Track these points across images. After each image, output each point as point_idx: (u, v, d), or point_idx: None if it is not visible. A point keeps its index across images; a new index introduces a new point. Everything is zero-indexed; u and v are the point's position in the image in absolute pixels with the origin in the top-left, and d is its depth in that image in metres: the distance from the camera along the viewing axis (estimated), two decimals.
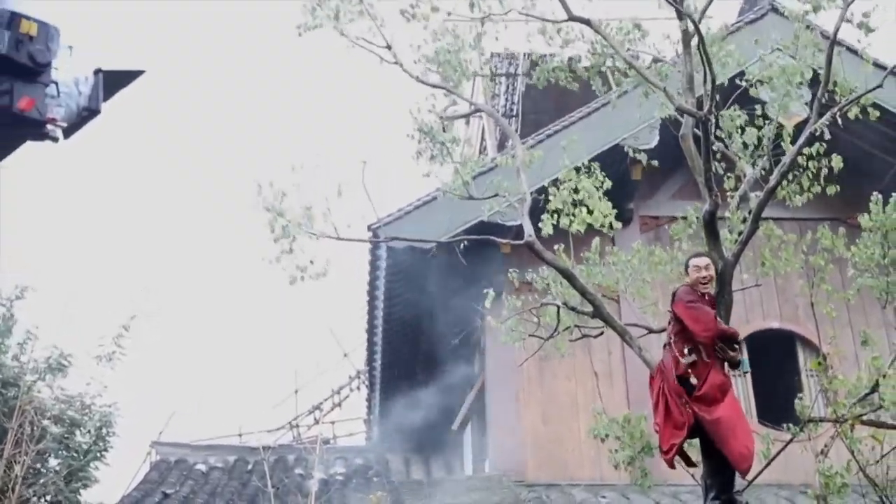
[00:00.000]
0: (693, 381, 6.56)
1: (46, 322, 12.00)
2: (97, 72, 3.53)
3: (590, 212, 7.96)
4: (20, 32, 3.27)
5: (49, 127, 3.37)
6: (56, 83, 3.38)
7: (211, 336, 40.92)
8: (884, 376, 6.83)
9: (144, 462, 14.12)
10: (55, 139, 3.40)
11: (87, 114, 3.52)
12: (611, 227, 8.07)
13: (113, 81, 3.58)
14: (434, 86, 8.05)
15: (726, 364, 6.90)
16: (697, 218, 8.17)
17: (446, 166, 8.13)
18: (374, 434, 16.96)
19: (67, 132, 3.45)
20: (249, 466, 13.63)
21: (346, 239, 7.56)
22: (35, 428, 9.40)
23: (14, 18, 3.28)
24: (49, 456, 11.06)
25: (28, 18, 3.30)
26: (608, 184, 8.21)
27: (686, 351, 6.63)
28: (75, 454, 11.07)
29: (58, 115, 3.39)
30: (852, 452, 6.66)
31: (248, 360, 39.63)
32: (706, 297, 6.84)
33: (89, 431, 11.27)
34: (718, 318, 6.70)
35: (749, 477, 7.09)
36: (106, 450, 11.42)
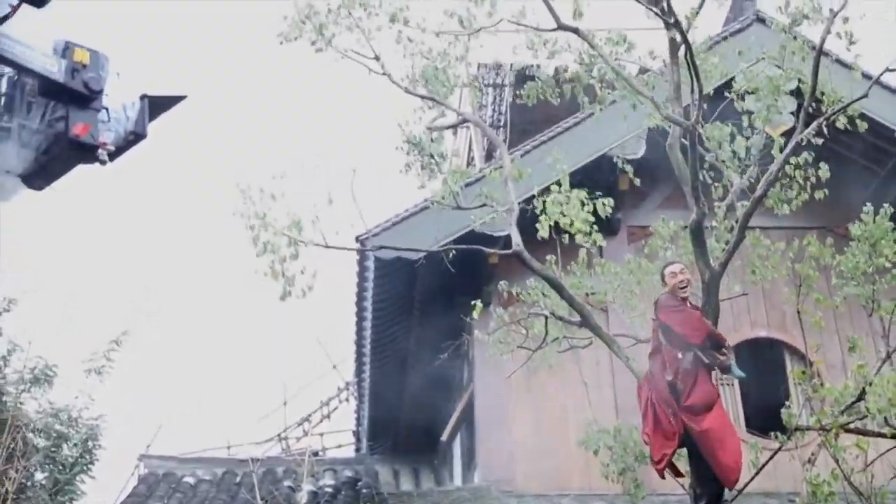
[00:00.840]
0: (681, 388, 6.58)
1: (40, 330, 11.98)
2: (143, 97, 3.66)
3: (572, 225, 7.97)
4: (74, 61, 3.40)
5: (100, 151, 3.49)
6: (107, 109, 3.51)
7: (199, 348, 40.79)
8: (870, 384, 6.85)
9: (132, 475, 14.05)
10: (104, 162, 3.53)
11: (134, 137, 3.65)
12: (594, 242, 8.10)
13: (156, 106, 3.71)
14: (422, 97, 8.08)
15: (717, 371, 6.94)
16: (684, 227, 8.20)
17: (435, 178, 8.14)
18: (363, 446, 16.92)
19: (113, 155, 3.58)
20: (238, 479, 13.56)
21: (335, 247, 7.56)
22: (24, 443, 9.35)
23: (68, 47, 3.40)
24: (36, 470, 10.99)
25: (80, 47, 3.43)
26: (598, 196, 8.22)
27: (680, 355, 6.63)
28: (62, 468, 11.00)
29: (108, 140, 3.52)
30: (837, 461, 6.67)
31: (236, 372, 39.51)
32: (688, 303, 6.86)
33: (76, 444, 11.20)
34: (705, 319, 6.73)
35: (738, 486, 7.10)
36: (92, 463, 11.34)
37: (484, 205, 8.03)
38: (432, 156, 7.95)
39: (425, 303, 12.15)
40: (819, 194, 8.14)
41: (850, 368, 7.74)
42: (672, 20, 6.77)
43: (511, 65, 13.55)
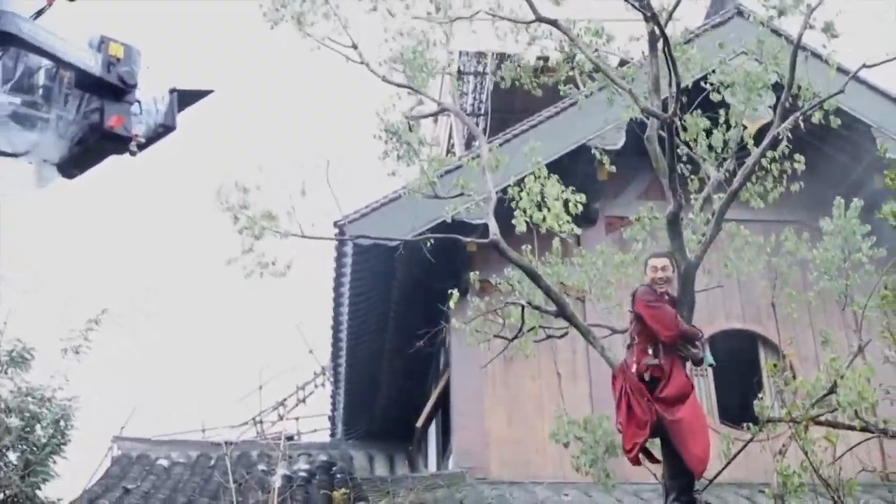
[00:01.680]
0: (648, 379, 6.64)
1: (17, 314, 11.89)
2: (172, 91, 3.77)
3: (545, 219, 8.00)
4: (109, 55, 3.51)
5: (132, 142, 3.61)
6: (139, 102, 3.62)
7: (176, 332, 40.65)
8: (841, 377, 6.91)
9: (106, 457, 14.03)
10: (133, 153, 3.65)
11: (163, 130, 3.77)
12: (571, 231, 8.13)
13: (184, 99, 3.82)
14: (400, 85, 8.07)
15: (689, 363, 6.99)
16: (655, 218, 8.24)
17: (412, 166, 8.14)
18: (338, 431, 16.93)
19: (142, 146, 3.68)
20: (212, 462, 13.55)
21: (312, 237, 7.54)
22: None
23: (103, 42, 3.52)
24: (8, 450, 10.93)
25: (115, 41, 3.53)
26: (571, 191, 8.24)
27: (650, 351, 6.70)
28: (34, 448, 10.93)
29: (139, 132, 3.63)
30: (806, 453, 6.74)
31: (212, 356, 39.42)
32: (665, 297, 6.90)
33: (48, 425, 11.13)
34: (680, 318, 6.77)
35: (710, 476, 7.16)
36: (65, 443, 11.27)
37: (461, 194, 8.03)
38: (410, 144, 7.94)
39: (402, 290, 12.16)
40: (795, 187, 8.19)
41: (823, 362, 7.80)
42: (650, 13, 6.78)
43: (492, 53, 13.57)
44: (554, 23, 7.73)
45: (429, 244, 8.35)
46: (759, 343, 12.27)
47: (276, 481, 11.43)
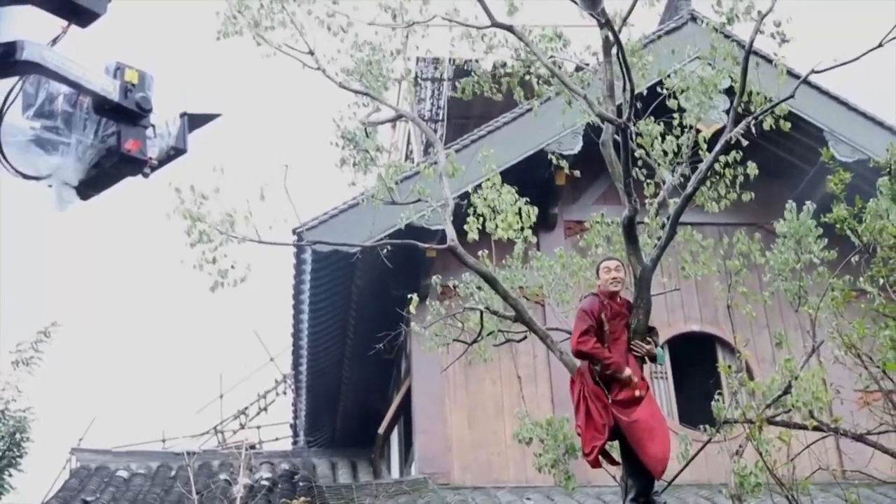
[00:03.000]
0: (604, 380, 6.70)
1: None
2: (182, 115, 3.91)
3: (499, 226, 8.06)
4: (126, 80, 3.64)
5: (147, 165, 3.75)
6: (154, 126, 3.75)
7: (134, 340, 40.29)
8: (796, 378, 7.01)
9: (64, 469, 13.87)
10: (146, 175, 3.78)
11: (175, 153, 3.88)
12: (525, 240, 8.18)
13: (193, 122, 3.96)
14: (357, 91, 8.09)
15: (648, 363, 7.04)
16: (609, 224, 8.31)
17: (370, 173, 8.16)
18: (300, 439, 16.86)
19: (154, 169, 3.82)
20: (173, 472, 13.44)
21: (269, 243, 7.53)
22: None
23: (119, 67, 3.65)
24: None
25: (130, 67, 3.66)
26: (525, 201, 8.30)
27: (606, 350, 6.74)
28: None
29: (153, 155, 3.75)
30: (760, 453, 6.82)
31: (171, 365, 39.11)
32: (617, 299, 6.95)
33: (2, 438, 10.99)
34: (590, 340, 6.76)
35: (668, 477, 7.22)
36: (21, 456, 11.14)
37: (419, 200, 8.05)
38: (367, 151, 7.95)
39: (363, 296, 12.15)
40: (746, 197, 8.30)
41: (780, 362, 7.91)
42: (604, 19, 6.84)
43: (449, 59, 13.60)
44: (510, 28, 7.77)
45: (387, 250, 8.36)
46: (717, 345, 12.40)
47: (238, 491, 11.34)
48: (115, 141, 3.68)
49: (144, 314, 41.14)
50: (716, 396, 7.88)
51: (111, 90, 3.63)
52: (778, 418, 7.45)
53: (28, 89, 3.65)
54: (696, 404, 11.29)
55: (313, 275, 11.65)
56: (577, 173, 9.70)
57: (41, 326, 11.76)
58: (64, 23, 3.63)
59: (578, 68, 8.53)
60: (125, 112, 3.67)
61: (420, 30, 8.14)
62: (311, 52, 7.91)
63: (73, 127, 3.68)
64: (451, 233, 7.72)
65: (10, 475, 11.02)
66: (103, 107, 3.65)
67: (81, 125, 3.70)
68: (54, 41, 3.63)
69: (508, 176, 9.12)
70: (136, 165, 3.74)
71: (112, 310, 41.40)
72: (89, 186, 3.79)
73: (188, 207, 7.22)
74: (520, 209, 8.05)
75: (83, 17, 3.62)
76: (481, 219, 8.15)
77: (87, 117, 3.71)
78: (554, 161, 9.70)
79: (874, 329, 6.94)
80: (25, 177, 3.65)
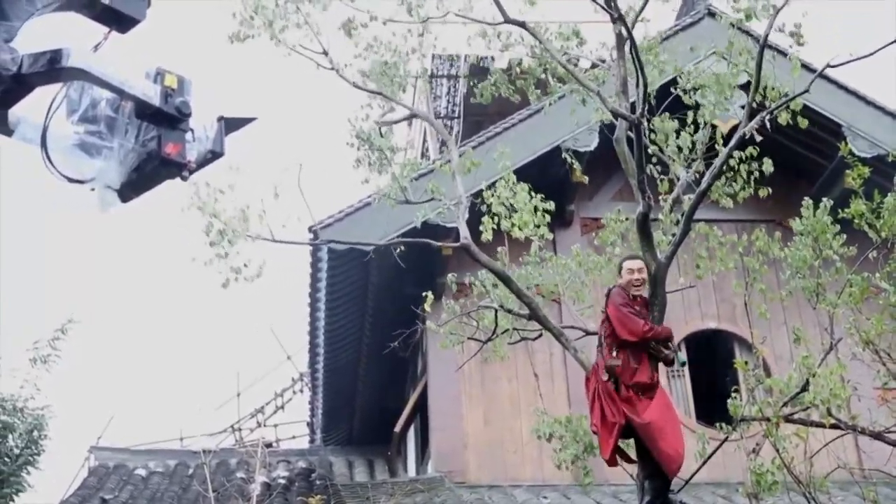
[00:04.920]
0: (613, 379, 6.66)
1: None
2: (220, 119, 4.01)
3: (515, 226, 8.03)
4: (165, 86, 3.74)
5: (186, 169, 3.85)
6: (192, 130, 3.85)
7: (152, 339, 40.48)
8: (813, 375, 6.94)
9: (83, 467, 13.94)
10: (185, 178, 3.88)
11: (212, 156, 3.98)
12: (541, 237, 8.14)
13: (229, 126, 4.06)
14: (371, 91, 8.08)
15: (661, 363, 7.00)
16: (623, 220, 8.27)
17: (385, 173, 8.15)
18: (317, 437, 16.89)
19: (192, 172, 3.92)
20: (190, 471, 13.48)
21: (284, 241, 7.53)
22: None
23: (159, 73, 3.75)
24: None
25: (170, 73, 3.77)
26: (540, 198, 8.27)
27: (614, 353, 6.71)
28: (6, 459, 10.82)
29: (192, 158, 3.85)
30: (777, 451, 6.76)
31: (189, 363, 39.26)
32: (638, 300, 6.92)
33: (21, 435, 11.02)
34: (647, 323, 6.76)
35: (685, 475, 7.17)
36: (38, 454, 11.17)
37: (433, 198, 8.03)
38: (382, 151, 7.94)
39: (379, 294, 12.15)
40: (763, 192, 8.23)
41: (797, 360, 7.84)
42: (617, 14, 6.80)
43: (465, 56, 13.58)
44: (522, 24, 7.74)
45: (402, 249, 8.35)
46: (734, 342, 12.32)
47: (255, 489, 11.37)
48: (156, 145, 3.76)
49: (162, 312, 41.34)
50: (733, 394, 7.82)
51: (152, 95, 3.72)
52: (795, 416, 7.37)
53: (72, 95, 3.75)
54: (714, 402, 11.23)
55: (329, 273, 11.66)
56: (585, 178, 9.63)
57: (59, 324, 11.78)
58: (105, 29, 3.75)
59: (594, 65, 8.49)
60: (165, 116, 3.75)
61: (435, 27, 8.12)
62: (326, 53, 7.91)
63: (116, 131, 3.78)
64: (464, 231, 7.70)
65: (29, 473, 11.05)
66: (144, 111, 3.74)
67: (123, 129, 3.79)
68: (96, 47, 3.75)
69: (524, 173, 9.09)
70: (175, 168, 3.83)
71: (130, 308, 41.62)
72: (130, 189, 3.89)
73: (205, 202, 7.22)
74: (535, 207, 8.01)
75: (124, 23, 3.75)
76: (496, 217, 8.13)
77: (128, 122, 3.80)
78: (568, 159, 9.63)
79: (893, 325, 6.87)
80: (70, 180, 3.75)
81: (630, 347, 6.72)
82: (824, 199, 7.80)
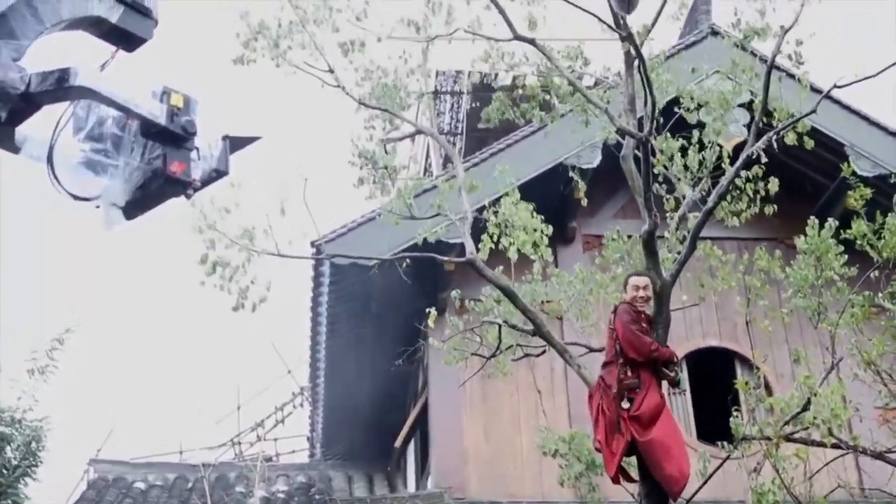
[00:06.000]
0: (627, 401, 6.65)
1: None
2: (224, 138, 4.05)
3: (525, 234, 8.05)
4: (171, 104, 3.78)
5: (190, 187, 3.90)
6: (198, 149, 3.89)
7: (152, 352, 40.42)
8: (815, 395, 6.96)
9: (82, 480, 13.91)
10: (189, 196, 3.94)
11: (216, 175, 4.02)
12: (542, 256, 8.17)
13: (234, 145, 4.10)
14: (375, 108, 8.11)
15: (664, 383, 7.02)
16: (627, 238, 8.29)
17: (388, 192, 8.18)
18: (316, 451, 16.86)
19: (196, 190, 3.97)
20: (190, 484, 13.46)
21: (288, 256, 7.54)
22: None
23: (165, 92, 3.79)
24: None
25: (176, 92, 3.80)
26: (541, 220, 8.29)
27: (628, 372, 6.72)
28: (4, 470, 10.76)
29: (197, 177, 3.89)
30: (777, 470, 6.77)
31: (189, 377, 39.19)
32: (643, 316, 6.94)
33: (18, 447, 10.95)
34: (654, 343, 6.78)
35: (687, 494, 7.17)
36: (36, 465, 11.10)
37: (437, 214, 8.06)
38: (385, 168, 7.98)
39: (381, 309, 12.15)
40: (769, 210, 8.27)
41: (798, 379, 7.86)
42: (626, 33, 6.84)
43: (469, 72, 13.63)
44: (532, 42, 7.78)
45: (406, 264, 8.37)
46: (736, 361, 12.33)
47: (255, 503, 11.36)
48: (161, 163, 3.80)
49: (164, 325, 41.30)
50: (734, 413, 7.83)
51: (158, 114, 3.75)
52: (797, 435, 7.39)
53: (79, 113, 3.79)
54: (715, 421, 11.22)
55: (331, 287, 11.67)
56: (583, 198, 9.65)
57: (57, 334, 11.69)
58: (112, 48, 3.80)
59: (597, 83, 8.53)
60: (171, 135, 3.78)
61: (443, 43, 8.16)
62: (331, 71, 7.95)
63: (122, 150, 3.81)
64: (469, 246, 7.72)
65: (27, 485, 10.99)
66: (150, 130, 3.77)
67: (129, 148, 3.83)
68: (103, 66, 3.81)
69: (527, 189, 9.11)
70: (180, 187, 3.86)
71: (131, 320, 41.58)
72: (135, 207, 3.91)
73: (203, 226, 7.22)
74: (535, 227, 8.03)
75: (131, 42, 3.80)
76: (496, 235, 8.15)
77: (134, 140, 3.83)
78: (573, 177, 9.66)
79: (894, 346, 6.89)
80: (76, 198, 3.78)
81: (639, 366, 6.74)
82: (829, 219, 7.83)
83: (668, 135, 8.26)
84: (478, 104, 8.96)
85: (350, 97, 8.00)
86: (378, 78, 8.11)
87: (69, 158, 3.75)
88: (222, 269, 7.27)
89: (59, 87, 3.55)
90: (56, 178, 3.70)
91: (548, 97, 8.59)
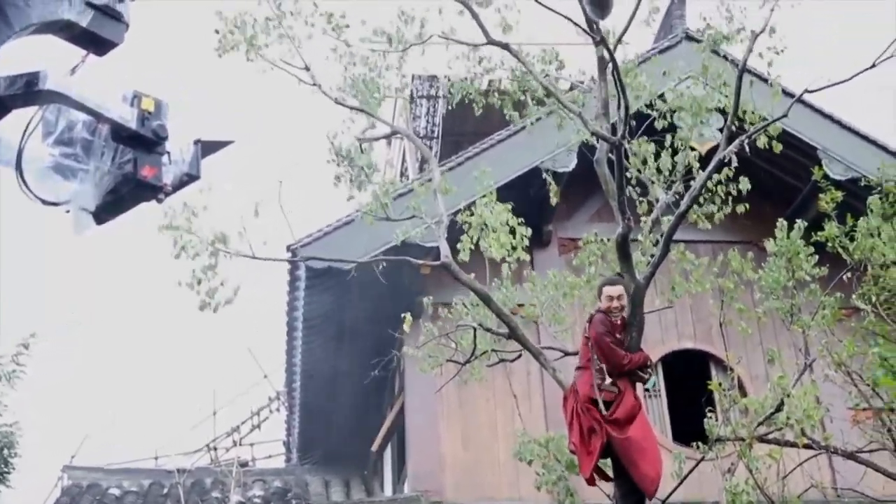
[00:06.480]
0: (602, 403, 6.68)
1: None
2: (196, 142, 4.03)
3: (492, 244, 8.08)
4: (142, 109, 3.77)
5: (162, 192, 3.88)
6: (169, 153, 3.87)
7: (127, 357, 40.18)
8: (788, 395, 7.02)
9: (56, 487, 13.81)
10: (160, 200, 3.91)
11: (188, 179, 4.00)
12: (516, 260, 8.18)
13: (206, 149, 4.08)
14: (352, 108, 8.11)
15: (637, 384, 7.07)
16: (606, 241, 8.33)
17: (364, 190, 8.17)
18: (293, 456, 16.81)
19: (168, 194, 3.95)
20: (165, 490, 13.39)
21: (263, 258, 7.52)
22: None
23: (136, 96, 3.78)
24: None
25: (147, 96, 3.80)
26: (519, 222, 8.31)
27: (607, 380, 6.74)
28: None
29: (168, 181, 3.87)
30: (750, 471, 6.83)
31: (165, 382, 38.99)
32: (618, 324, 6.97)
33: None
34: (626, 356, 6.81)
35: (662, 495, 7.21)
36: (9, 472, 10.99)
37: (413, 216, 8.06)
38: (362, 168, 7.97)
39: (357, 313, 12.13)
40: (740, 209, 8.33)
41: (772, 380, 7.93)
42: (599, 37, 6.88)
43: (445, 77, 13.64)
44: (505, 46, 7.81)
45: (382, 267, 8.36)
46: (710, 362, 12.40)
47: None
48: (132, 167, 3.78)
49: (138, 330, 41.08)
50: (708, 414, 7.88)
51: (129, 118, 3.74)
52: (770, 436, 7.45)
53: (48, 117, 3.77)
54: (690, 422, 11.28)
55: (307, 291, 11.64)
56: (559, 201, 9.67)
57: (21, 339, 11.51)
58: (83, 52, 3.78)
59: (572, 87, 8.57)
60: (142, 140, 3.77)
61: (417, 48, 8.18)
62: (307, 68, 7.94)
63: (92, 154, 3.80)
64: (444, 249, 7.73)
65: None
66: (121, 134, 3.76)
67: (99, 152, 3.81)
68: (73, 70, 3.78)
69: (503, 193, 9.13)
70: (151, 191, 3.85)
71: (106, 326, 41.32)
72: (106, 211, 3.90)
73: (175, 224, 7.19)
74: (512, 228, 8.06)
75: (101, 46, 3.77)
76: (474, 238, 8.16)
77: (104, 145, 3.82)
78: (547, 180, 9.69)
79: (864, 347, 6.97)
80: (45, 202, 3.76)
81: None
82: (798, 221, 7.91)
83: (646, 138, 8.31)
84: (451, 91, 8.95)
85: (326, 95, 8.00)
86: (354, 75, 8.10)
87: (38, 162, 3.72)
88: (192, 262, 7.23)
89: (29, 90, 3.54)
90: (25, 182, 3.67)
91: (523, 98, 8.62)
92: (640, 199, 8.39)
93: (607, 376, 6.76)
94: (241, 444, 18.48)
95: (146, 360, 39.81)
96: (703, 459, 7.72)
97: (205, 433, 22.62)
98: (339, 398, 14.32)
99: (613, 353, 6.77)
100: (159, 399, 36.99)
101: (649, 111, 8.56)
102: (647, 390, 10.98)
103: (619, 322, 6.99)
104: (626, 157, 7.53)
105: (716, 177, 7.90)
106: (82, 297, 40.47)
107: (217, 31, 7.83)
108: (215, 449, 17.89)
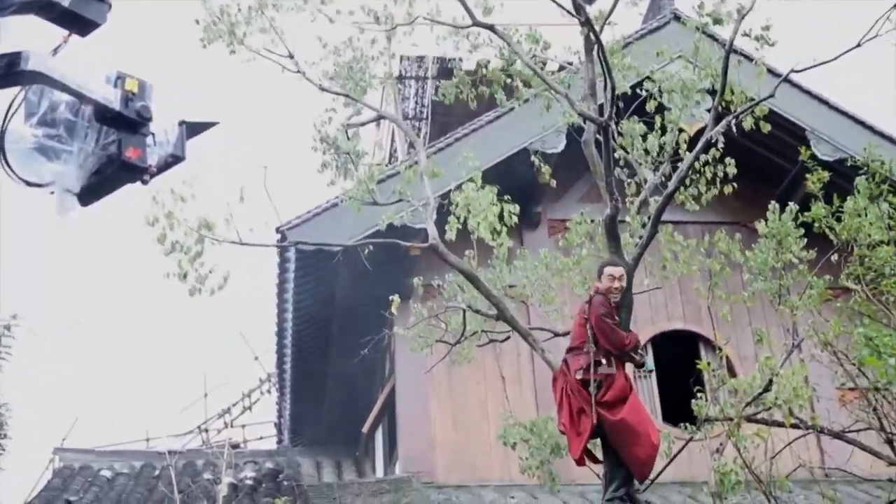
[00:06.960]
0: (596, 387, 6.68)
1: None
2: (181, 123, 4.01)
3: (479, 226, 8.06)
4: (126, 90, 3.75)
5: (147, 173, 3.86)
6: (153, 134, 3.85)
7: (118, 340, 40.15)
8: (776, 375, 7.05)
9: (47, 469, 13.82)
10: (146, 182, 3.89)
11: (173, 160, 3.99)
12: (501, 244, 8.17)
13: (191, 130, 4.06)
14: (337, 93, 8.08)
15: (629, 365, 7.08)
16: (594, 221, 8.33)
17: (351, 177, 8.16)
18: (284, 438, 16.85)
19: (153, 176, 3.93)
20: (156, 472, 13.39)
21: (251, 244, 7.51)
22: None
23: (120, 77, 3.76)
24: None
25: (130, 77, 3.78)
26: (505, 200, 8.30)
27: (603, 361, 6.73)
28: None
29: (153, 162, 3.86)
30: (739, 450, 6.87)
31: (156, 364, 38.99)
32: (615, 305, 6.96)
33: None
34: (629, 336, 6.82)
35: (652, 475, 7.25)
36: None
37: (401, 199, 8.06)
38: (348, 154, 7.95)
39: (347, 295, 12.14)
40: (728, 189, 8.34)
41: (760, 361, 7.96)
42: (585, 18, 6.86)
43: (434, 57, 13.61)
44: (491, 27, 7.78)
45: (370, 249, 8.36)
46: (700, 343, 12.43)
47: (222, 490, 11.32)
48: (116, 149, 3.76)
49: (129, 313, 41.04)
50: (697, 394, 7.91)
51: (112, 99, 3.72)
52: (759, 416, 7.49)
53: (31, 98, 3.74)
54: (680, 402, 11.33)
55: (297, 274, 11.64)
56: (551, 182, 9.65)
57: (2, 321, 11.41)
58: (65, 32, 3.74)
59: (561, 68, 8.55)
60: (126, 121, 3.75)
61: (406, 28, 8.14)
62: (291, 56, 7.91)
63: (75, 135, 3.78)
64: (432, 231, 7.73)
65: None
66: (104, 115, 3.74)
67: (83, 133, 3.79)
68: (55, 50, 3.75)
69: (492, 174, 9.13)
70: (136, 172, 3.83)
71: (97, 309, 41.28)
72: (90, 193, 3.87)
73: (159, 214, 7.16)
74: (501, 210, 8.04)
75: (84, 26, 3.74)
76: (462, 218, 8.16)
77: (88, 126, 3.80)
78: (536, 161, 9.67)
79: (850, 327, 7.00)
80: (28, 184, 3.74)
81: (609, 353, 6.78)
82: (790, 203, 7.92)
83: (636, 118, 8.30)
84: (441, 85, 8.92)
85: (311, 82, 7.97)
86: (339, 60, 8.07)
87: (21, 144, 3.70)
88: (180, 255, 7.22)
89: (10, 71, 3.51)
90: (7, 163, 3.65)
91: (511, 79, 8.59)
92: (629, 180, 8.40)
93: (604, 357, 6.76)
94: (232, 426, 18.53)
95: (137, 343, 39.80)
96: (691, 439, 7.76)
97: (196, 415, 22.62)
98: (330, 379, 14.35)
99: (616, 335, 6.76)
100: (150, 381, 37.00)
101: (638, 92, 8.55)
102: (647, 373, 11.01)
103: (616, 305, 6.99)
104: (614, 138, 7.52)
105: (703, 157, 7.90)
106: (71, 282, 40.42)
107: (197, 22, 7.79)
108: (206, 431, 17.93)
